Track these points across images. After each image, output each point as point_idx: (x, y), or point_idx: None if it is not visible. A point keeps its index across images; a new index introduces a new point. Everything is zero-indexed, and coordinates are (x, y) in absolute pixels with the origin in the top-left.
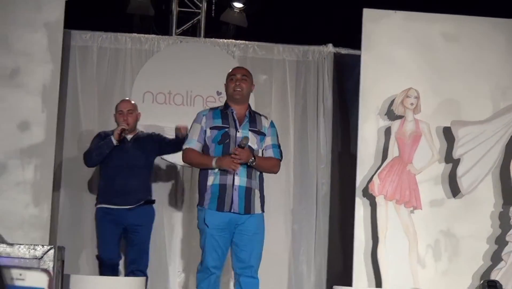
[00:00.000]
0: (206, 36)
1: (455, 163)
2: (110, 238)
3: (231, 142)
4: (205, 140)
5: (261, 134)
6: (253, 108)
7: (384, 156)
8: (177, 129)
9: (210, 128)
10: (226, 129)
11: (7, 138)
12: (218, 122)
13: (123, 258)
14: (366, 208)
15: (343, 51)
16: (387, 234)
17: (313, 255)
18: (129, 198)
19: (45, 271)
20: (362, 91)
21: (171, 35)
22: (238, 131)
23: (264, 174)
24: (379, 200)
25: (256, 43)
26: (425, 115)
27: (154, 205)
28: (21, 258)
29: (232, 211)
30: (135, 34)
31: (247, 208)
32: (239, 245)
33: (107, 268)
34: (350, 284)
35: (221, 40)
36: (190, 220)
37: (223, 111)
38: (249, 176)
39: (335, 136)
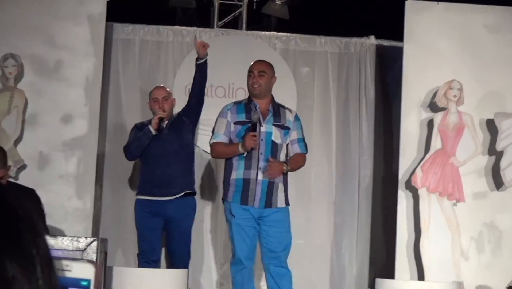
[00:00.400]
0: (247, 28)
1: (499, 155)
2: (150, 232)
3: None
4: (230, 135)
5: (285, 128)
6: (295, 100)
7: (427, 148)
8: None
9: (234, 123)
10: (250, 125)
11: (50, 131)
12: (242, 117)
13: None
14: (408, 201)
15: (385, 43)
16: (430, 226)
17: (355, 247)
18: (168, 189)
19: (91, 262)
20: (405, 83)
21: (213, 27)
22: (262, 126)
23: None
24: (422, 192)
25: (298, 35)
26: (468, 107)
27: (196, 197)
28: (65, 249)
29: (254, 205)
30: (177, 27)
31: (268, 202)
32: (264, 235)
33: (146, 265)
34: (392, 277)
35: (262, 32)
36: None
37: (247, 106)
38: None
39: (377, 128)
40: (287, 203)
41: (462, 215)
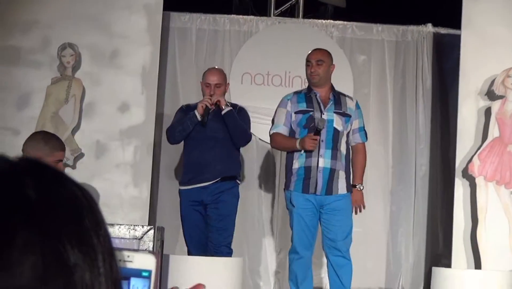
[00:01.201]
0: (304, 17)
1: None
2: (193, 224)
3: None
4: (291, 125)
5: (346, 116)
6: (351, 88)
7: (484, 136)
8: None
9: (295, 112)
10: (311, 113)
11: (107, 120)
12: (303, 106)
13: None
14: (465, 189)
15: (443, 31)
16: (487, 215)
17: (411, 236)
18: (206, 175)
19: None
20: (462, 71)
21: (270, 16)
22: (324, 114)
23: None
24: (479, 181)
25: (355, 23)
26: None
27: (252, 185)
28: (122, 238)
29: (316, 193)
30: (234, 15)
31: (329, 189)
32: (326, 224)
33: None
34: (449, 266)
35: (319, 20)
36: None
37: (307, 95)
38: (334, 158)
39: (434, 117)
40: (348, 190)
41: None
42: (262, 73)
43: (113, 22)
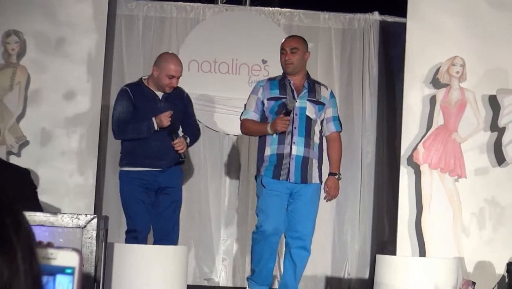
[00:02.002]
0: (251, 4)
1: (501, 131)
2: (143, 207)
3: (290, 113)
4: (263, 112)
5: (319, 104)
6: None
7: (429, 124)
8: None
9: (268, 99)
10: (283, 100)
11: (53, 108)
12: (275, 93)
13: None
14: (410, 177)
15: (389, 19)
16: (431, 202)
17: (357, 224)
18: (163, 161)
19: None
20: (407, 59)
21: (217, 3)
22: (297, 101)
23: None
24: (424, 168)
25: (302, 11)
26: (470, 83)
27: (199, 174)
28: (65, 227)
29: (288, 180)
30: (181, 3)
31: (304, 177)
32: (293, 213)
33: (139, 241)
34: (394, 253)
35: (266, 8)
36: (234, 189)
37: (281, 82)
38: (307, 145)
39: (380, 104)
40: (320, 180)
41: (463, 191)
42: (209, 60)
43: (59, 10)
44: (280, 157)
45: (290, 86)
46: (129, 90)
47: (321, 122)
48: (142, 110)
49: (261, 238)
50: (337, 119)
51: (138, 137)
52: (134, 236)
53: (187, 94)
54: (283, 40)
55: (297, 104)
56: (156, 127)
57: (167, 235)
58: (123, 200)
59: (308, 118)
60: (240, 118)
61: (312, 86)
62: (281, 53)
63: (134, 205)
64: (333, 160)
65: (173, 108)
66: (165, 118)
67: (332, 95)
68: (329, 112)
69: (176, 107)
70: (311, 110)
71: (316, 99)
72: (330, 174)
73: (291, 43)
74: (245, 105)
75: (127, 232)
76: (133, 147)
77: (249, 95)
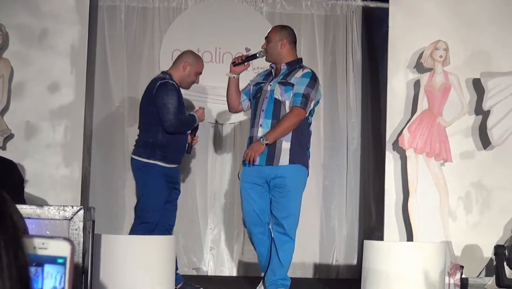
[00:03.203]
0: None
1: (485, 114)
2: (163, 200)
3: (261, 96)
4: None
5: (287, 84)
6: None
7: (414, 109)
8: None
9: (253, 85)
10: (262, 85)
11: (37, 100)
12: (260, 79)
13: None
14: (396, 162)
15: (372, 4)
16: (418, 187)
17: (344, 209)
18: (181, 157)
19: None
20: (391, 44)
21: None
22: (270, 85)
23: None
24: (409, 153)
25: None
26: (454, 67)
27: (185, 162)
28: (51, 219)
29: (255, 163)
30: None
31: (269, 160)
32: (271, 199)
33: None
34: (382, 238)
35: None
36: (221, 177)
37: (269, 70)
38: (273, 127)
39: (364, 90)
40: (293, 162)
41: (449, 175)
42: (193, 49)
43: (41, 2)
44: (251, 139)
45: (272, 72)
46: (177, 85)
47: (290, 102)
48: (180, 106)
49: (249, 232)
50: (300, 96)
51: (186, 131)
52: (150, 229)
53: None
54: None
55: (269, 87)
56: (197, 122)
57: (171, 229)
58: (146, 192)
59: (277, 101)
60: None
61: (291, 71)
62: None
63: (158, 199)
64: (273, 127)
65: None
66: (203, 115)
67: (305, 75)
68: (294, 89)
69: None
70: (277, 92)
71: (286, 80)
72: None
73: (266, 33)
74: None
75: (140, 224)
76: (168, 142)
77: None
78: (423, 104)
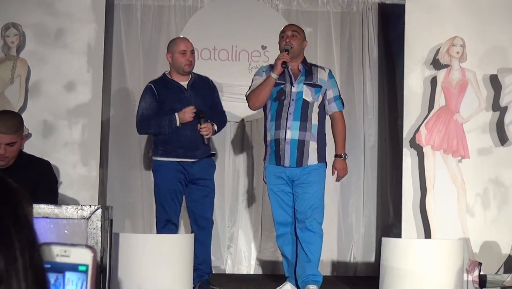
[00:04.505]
0: None
1: (503, 110)
2: (175, 197)
3: (286, 99)
4: None
5: (316, 86)
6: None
7: (431, 105)
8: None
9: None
10: (282, 86)
11: (54, 99)
12: (276, 79)
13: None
14: (413, 159)
15: (388, 1)
16: (435, 184)
17: (362, 207)
18: (197, 151)
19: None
20: (407, 41)
21: None
22: (294, 86)
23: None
24: (427, 150)
25: None
26: (471, 63)
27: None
28: (69, 218)
29: (284, 165)
30: None
31: (299, 161)
32: (296, 196)
33: (169, 232)
34: (400, 235)
35: None
36: (238, 175)
37: (282, 70)
38: (302, 129)
39: (381, 87)
40: (320, 160)
41: (467, 171)
42: (209, 48)
43: (57, 1)
44: (277, 142)
45: (288, 71)
46: (153, 86)
47: (321, 104)
48: (168, 103)
49: (279, 233)
50: (338, 98)
51: (159, 132)
52: (169, 227)
53: (212, 81)
54: (283, 26)
55: (294, 89)
56: (178, 122)
57: (205, 226)
58: (156, 190)
59: (305, 102)
60: (246, 95)
61: (309, 69)
62: (281, 37)
63: (168, 195)
64: (338, 141)
65: (200, 95)
66: (189, 114)
67: (331, 75)
68: (330, 94)
69: (203, 95)
70: (307, 94)
71: (313, 82)
72: (336, 156)
73: (292, 27)
74: (249, 86)
75: (159, 222)
76: (166, 137)
77: (253, 77)
78: (440, 101)
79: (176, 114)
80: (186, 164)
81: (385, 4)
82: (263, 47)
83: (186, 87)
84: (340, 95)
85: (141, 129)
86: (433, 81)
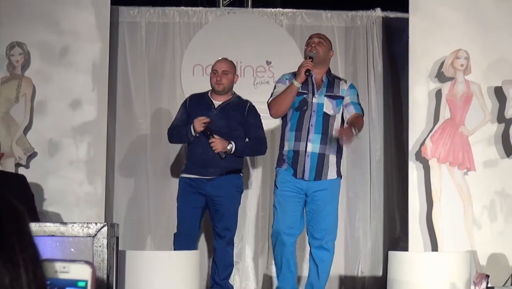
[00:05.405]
0: (253, 6)
1: (508, 122)
2: (189, 210)
3: (308, 109)
4: None
5: (337, 98)
6: None
7: (436, 118)
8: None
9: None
10: (305, 96)
11: (59, 117)
12: (299, 88)
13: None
14: (419, 172)
15: (392, 15)
16: (442, 197)
17: (369, 221)
18: (210, 170)
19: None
20: (411, 54)
21: (219, 7)
22: (315, 97)
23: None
24: (432, 163)
25: (304, 10)
26: (475, 76)
27: None
28: (75, 236)
29: (303, 178)
30: (183, 7)
31: (318, 175)
32: (310, 214)
33: (181, 244)
34: (406, 249)
35: (268, 9)
36: (244, 190)
37: (305, 78)
38: (323, 142)
39: (386, 101)
40: (338, 175)
41: (473, 184)
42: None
43: (62, 19)
44: (296, 153)
45: (312, 80)
46: (188, 99)
47: (342, 110)
48: (195, 118)
49: (276, 240)
50: (357, 104)
51: (181, 142)
52: (178, 239)
53: (250, 105)
54: (309, 37)
55: (315, 100)
56: (193, 132)
57: (217, 240)
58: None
59: (326, 115)
60: (267, 102)
61: (332, 81)
62: (307, 44)
63: (181, 208)
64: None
65: (226, 116)
66: (198, 123)
67: (352, 86)
68: (347, 99)
69: (230, 116)
70: (328, 106)
71: (334, 94)
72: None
73: (319, 35)
74: (271, 93)
75: (175, 236)
76: (187, 154)
77: (276, 84)
78: (445, 113)
79: (191, 125)
80: (200, 181)
81: (389, 18)
82: (268, 63)
83: (216, 106)
84: (359, 103)
85: (169, 138)
86: (438, 94)
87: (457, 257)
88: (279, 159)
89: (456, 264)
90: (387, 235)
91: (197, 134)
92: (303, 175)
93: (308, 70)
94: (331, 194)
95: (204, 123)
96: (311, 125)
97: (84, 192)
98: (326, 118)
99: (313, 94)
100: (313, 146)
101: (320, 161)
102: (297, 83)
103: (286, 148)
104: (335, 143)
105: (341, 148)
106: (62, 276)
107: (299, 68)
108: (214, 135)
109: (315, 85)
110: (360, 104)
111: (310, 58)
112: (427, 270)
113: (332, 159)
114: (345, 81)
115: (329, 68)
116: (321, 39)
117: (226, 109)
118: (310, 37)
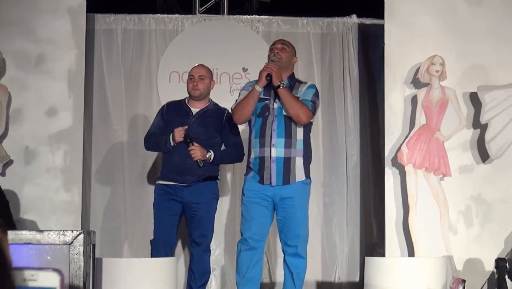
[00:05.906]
0: (229, 13)
1: (483, 128)
2: (166, 217)
3: (270, 115)
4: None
5: None
6: None
7: (412, 124)
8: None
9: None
10: (266, 102)
11: (35, 125)
12: (260, 94)
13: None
14: (395, 178)
15: (367, 21)
16: (418, 202)
17: (345, 226)
18: (187, 177)
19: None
20: (387, 60)
21: (195, 14)
22: (276, 102)
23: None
24: (408, 168)
25: (280, 17)
26: (451, 82)
27: None
28: (51, 244)
29: (271, 184)
30: (159, 15)
31: (286, 179)
32: (281, 221)
33: (158, 251)
34: (383, 255)
35: (244, 16)
36: (222, 197)
37: (266, 83)
38: (287, 146)
39: (362, 107)
40: (306, 176)
41: (449, 189)
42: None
43: (37, 27)
44: (262, 160)
45: (273, 86)
46: (165, 106)
47: None
48: (173, 125)
49: (244, 247)
50: (308, 101)
51: (159, 150)
52: (155, 246)
53: (228, 113)
54: (272, 43)
55: (276, 105)
56: (171, 142)
57: (193, 246)
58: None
59: (287, 118)
60: (231, 109)
61: (293, 85)
62: (270, 49)
63: (158, 216)
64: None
65: (204, 124)
66: (178, 133)
67: (310, 86)
68: (300, 96)
69: (208, 123)
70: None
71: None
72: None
73: (282, 41)
74: (236, 100)
75: (150, 242)
76: (163, 161)
77: (240, 92)
78: (421, 119)
79: (171, 134)
80: (177, 188)
81: (365, 25)
82: (244, 70)
83: (194, 114)
84: (313, 101)
85: (145, 145)
86: (414, 100)
87: (433, 262)
88: (247, 166)
89: (432, 269)
90: (363, 240)
91: (176, 144)
92: (270, 181)
93: (268, 75)
94: (300, 199)
95: (183, 133)
96: (274, 130)
97: (60, 200)
98: (288, 122)
99: (274, 100)
100: (277, 151)
101: (286, 164)
102: (258, 88)
103: (252, 155)
104: (302, 145)
105: (308, 150)
106: (31, 284)
107: (260, 72)
108: (194, 143)
109: (274, 90)
110: (313, 102)
111: (273, 60)
112: (403, 275)
113: (299, 161)
114: (306, 83)
115: (292, 73)
116: (285, 45)
117: (204, 116)
118: (274, 43)
